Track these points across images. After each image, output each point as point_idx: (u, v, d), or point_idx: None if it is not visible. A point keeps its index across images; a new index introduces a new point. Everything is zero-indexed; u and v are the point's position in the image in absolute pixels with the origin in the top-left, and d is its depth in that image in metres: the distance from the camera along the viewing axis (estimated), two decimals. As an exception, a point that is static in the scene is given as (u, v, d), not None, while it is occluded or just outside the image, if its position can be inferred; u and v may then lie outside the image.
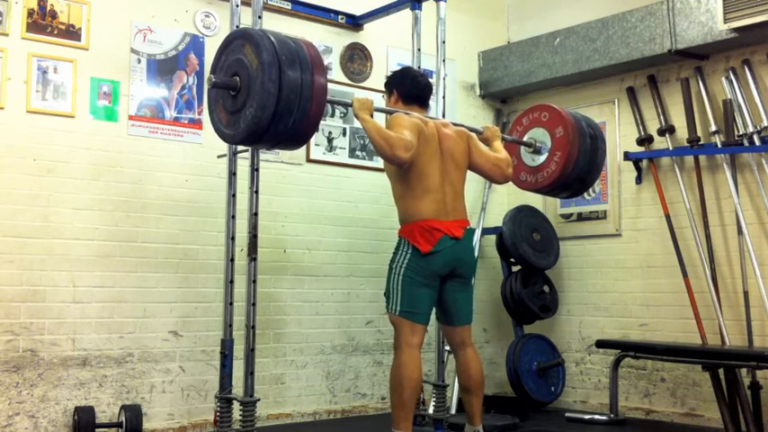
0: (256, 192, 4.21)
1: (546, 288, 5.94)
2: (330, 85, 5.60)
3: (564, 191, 4.78)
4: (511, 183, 4.51)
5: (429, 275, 3.88)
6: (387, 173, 4.07)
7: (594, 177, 4.68)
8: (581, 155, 4.48)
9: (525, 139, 4.64)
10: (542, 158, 4.57)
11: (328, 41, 5.73)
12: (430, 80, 4.35)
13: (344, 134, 5.74)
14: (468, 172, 4.16)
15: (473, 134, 4.24)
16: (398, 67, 5.93)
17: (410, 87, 4.16)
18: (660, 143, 5.61)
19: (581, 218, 6.11)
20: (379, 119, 4.02)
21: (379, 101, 5.88)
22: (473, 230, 4.06)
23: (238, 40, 3.61)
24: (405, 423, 3.77)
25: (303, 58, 3.47)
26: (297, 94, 3.41)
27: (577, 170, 4.52)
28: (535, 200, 6.18)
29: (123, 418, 4.47)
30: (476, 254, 4.08)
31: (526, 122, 4.67)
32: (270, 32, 3.54)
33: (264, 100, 3.37)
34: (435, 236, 3.85)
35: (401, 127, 3.82)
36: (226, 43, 3.72)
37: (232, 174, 4.37)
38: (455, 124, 4.23)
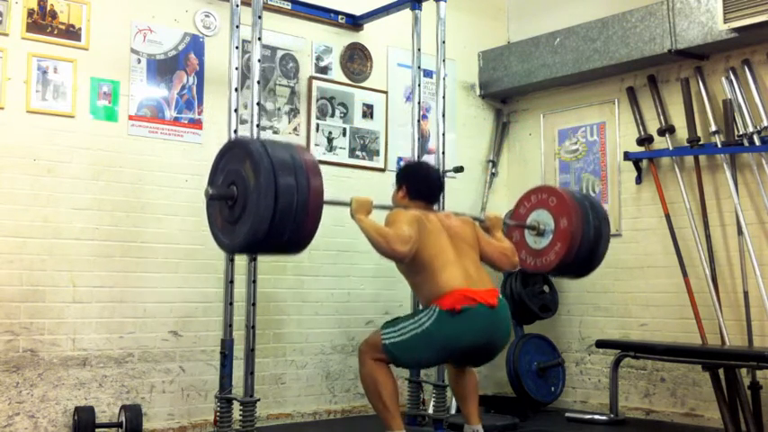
0: (256, 192, 4.20)
1: (546, 288, 5.94)
2: (330, 86, 5.69)
3: (564, 275, 4.91)
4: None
5: (448, 349, 3.69)
6: (401, 272, 3.97)
7: (596, 266, 4.58)
8: (582, 249, 4.37)
9: (530, 219, 4.54)
10: (545, 243, 4.46)
11: (328, 41, 5.73)
12: (441, 177, 4.25)
13: (344, 134, 5.74)
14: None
15: (476, 223, 4.20)
16: (399, 68, 6.01)
17: (420, 187, 4.09)
18: (660, 143, 5.60)
19: (581, 218, 6.10)
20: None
21: (379, 100, 5.92)
22: (505, 301, 3.85)
23: (237, 150, 3.55)
24: (395, 421, 3.77)
25: (300, 170, 3.41)
26: (293, 211, 3.35)
27: (577, 261, 4.43)
28: (535, 200, 6.18)
29: (123, 418, 4.47)
30: (510, 324, 3.93)
31: (534, 200, 4.55)
32: (268, 145, 3.46)
33: (261, 217, 3.32)
34: (470, 303, 3.65)
35: (398, 222, 3.75)
36: (224, 150, 3.65)
37: (232, 174, 4.36)
38: (456, 214, 4.19)
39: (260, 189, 3.31)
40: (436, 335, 3.65)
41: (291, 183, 3.35)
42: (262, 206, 3.30)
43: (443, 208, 5.00)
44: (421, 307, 3.87)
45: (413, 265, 3.79)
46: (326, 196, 5.11)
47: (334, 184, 5.59)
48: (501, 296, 3.83)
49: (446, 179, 5.09)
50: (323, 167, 5.52)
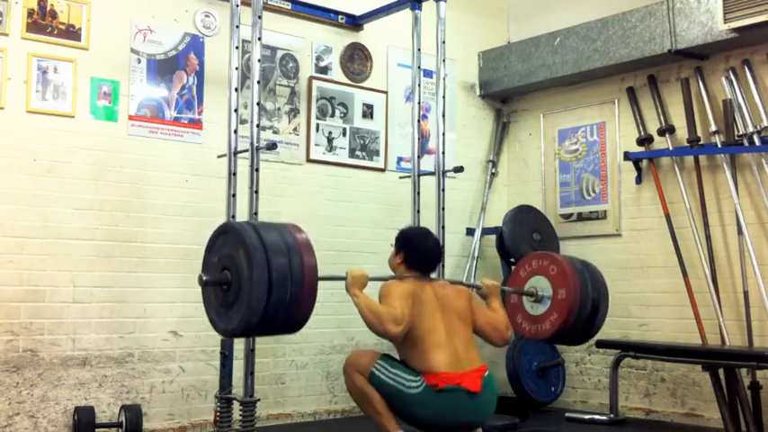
0: (256, 192, 4.21)
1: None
2: (330, 86, 5.69)
3: (559, 343, 5.09)
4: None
5: (427, 422, 3.71)
6: (393, 344, 3.94)
7: (592, 336, 4.54)
8: (578, 322, 4.33)
9: (529, 283, 4.48)
10: (542, 310, 4.40)
11: (328, 41, 5.73)
12: (441, 248, 4.21)
13: (344, 134, 5.74)
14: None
15: (473, 293, 4.16)
16: (399, 68, 6.01)
17: (418, 257, 4.03)
18: (660, 143, 5.60)
19: (581, 218, 6.10)
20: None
21: (379, 100, 5.92)
22: (492, 377, 3.86)
23: (230, 235, 3.51)
24: (390, 424, 3.77)
25: (293, 251, 3.38)
26: (287, 296, 3.32)
27: (573, 332, 4.40)
28: (535, 200, 6.19)
29: (123, 418, 4.47)
30: (495, 400, 3.93)
31: (535, 266, 4.48)
32: (260, 228, 3.42)
33: (252, 312, 3.29)
34: (452, 384, 3.67)
35: (391, 297, 3.74)
36: (217, 234, 3.62)
37: (232, 174, 4.36)
38: (453, 282, 4.17)
39: (253, 279, 3.27)
40: (418, 405, 3.68)
41: (285, 269, 3.31)
42: (254, 297, 3.27)
43: (444, 208, 5.01)
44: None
45: (404, 340, 3.78)
46: (326, 192, 5.10)
47: (334, 184, 5.61)
48: (488, 373, 3.82)
49: (446, 179, 5.10)
50: (322, 167, 5.60)
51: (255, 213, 4.21)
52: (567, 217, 6.20)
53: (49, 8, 4.59)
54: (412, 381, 3.70)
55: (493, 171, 6.53)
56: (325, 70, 5.70)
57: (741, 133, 5.15)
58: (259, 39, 4.32)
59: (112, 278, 4.70)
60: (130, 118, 4.85)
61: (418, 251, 4.04)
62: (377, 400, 3.75)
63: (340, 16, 5.75)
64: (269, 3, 5.20)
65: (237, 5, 4.39)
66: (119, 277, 4.72)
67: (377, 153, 5.89)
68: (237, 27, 4.40)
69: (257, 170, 4.23)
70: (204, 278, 3.52)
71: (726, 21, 4.92)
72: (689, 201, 5.36)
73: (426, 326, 3.77)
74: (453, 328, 3.85)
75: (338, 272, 5.55)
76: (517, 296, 4.51)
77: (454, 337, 3.83)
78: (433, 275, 4.12)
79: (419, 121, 5.20)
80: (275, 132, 5.39)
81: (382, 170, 5.89)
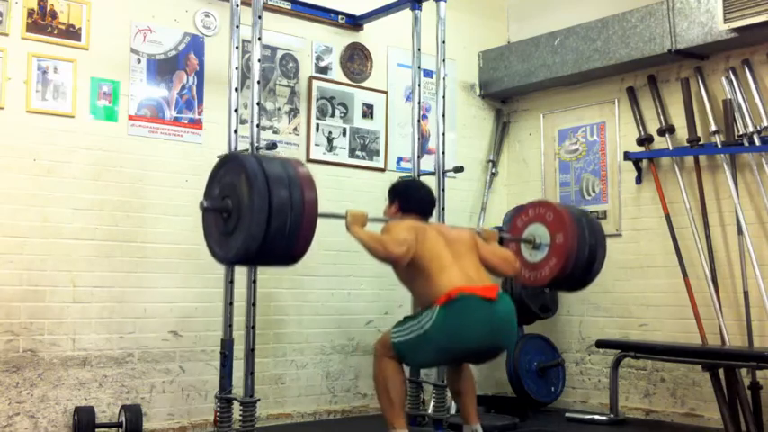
0: (256, 192, 4.20)
1: (546, 288, 5.92)
2: (330, 86, 5.69)
3: (558, 290, 4.99)
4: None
5: (450, 351, 3.71)
6: (400, 280, 3.99)
7: (590, 281, 4.58)
8: (577, 266, 4.38)
9: (527, 231, 4.55)
10: (540, 257, 4.47)
11: (328, 41, 5.73)
12: (433, 195, 4.28)
13: (344, 134, 5.74)
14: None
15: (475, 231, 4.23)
16: (399, 68, 6.01)
17: (412, 204, 4.11)
18: (660, 143, 5.60)
19: (581, 218, 6.10)
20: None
21: (379, 100, 5.92)
22: (507, 295, 3.86)
23: (232, 164, 3.57)
24: (398, 420, 3.81)
25: (294, 184, 3.41)
26: (287, 226, 3.36)
27: (572, 277, 4.44)
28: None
29: (123, 418, 4.47)
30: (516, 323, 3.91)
31: (531, 215, 4.56)
32: (263, 159, 3.47)
33: (255, 230, 3.33)
34: (466, 293, 3.67)
35: (395, 229, 3.81)
36: (221, 163, 3.68)
37: (232, 174, 4.36)
38: (453, 228, 4.21)
39: (253, 206, 3.32)
40: (436, 335, 3.65)
41: (285, 200, 3.35)
42: (255, 222, 3.32)
43: (444, 207, 5.00)
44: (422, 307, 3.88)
45: (410, 271, 3.81)
46: (326, 192, 5.09)
47: (334, 184, 5.60)
48: (502, 292, 3.82)
49: (446, 179, 5.09)
50: (322, 167, 5.60)
51: (255, 213, 4.21)
52: (567, 217, 6.19)
53: (48, 8, 4.59)
54: (424, 317, 3.72)
55: (493, 171, 6.53)
56: (325, 70, 5.71)
57: (741, 133, 5.15)
58: (259, 39, 4.32)
59: (112, 278, 4.70)
60: (130, 118, 4.85)
61: (412, 198, 4.13)
62: (395, 393, 3.81)
63: (340, 16, 5.76)
64: (269, 3, 5.20)
65: (237, 5, 4.39)
66: (119, 277, 4.72)
67: (377, 153, 5.89)
68: (237, 27, 4.40)
69: (257, 170, 4.21)
70: (205, 204, 3.58)
71: (726, 21, 4.92)
72: (689, 201, 5.36)
73: (431, 253, 3.81)
74: (459, 253, 3.89)
75: (339, 273, 5.62)
76: (515, 246, 4.57)
77: (461, 260, 3.86)
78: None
79: (419, 121, 5.20)
80: (275, 132, 5.39)
81: (382, 170, 5.89)
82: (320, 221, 5.48)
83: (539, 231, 4.50)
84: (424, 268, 3.78)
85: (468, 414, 4.06)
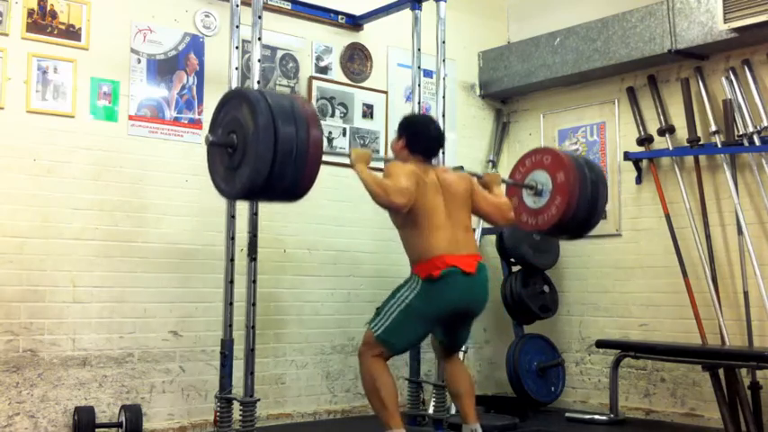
0: (256, 192, 4.20)
1: (546, 288, 5.93)
2: (330, 86, 5.69)
3: (564, 234, 4.82)
4: (508, 225, 4.50)
5: (430, 318, 3.84)
6: (393, 223, 4.03)
7: (595, 222, 4.61)
8: (581, 201, 4.42)
9: (527, 180, 4.59)
10: (543, 201, 4.51)
11: (328, 41, 5.73)
12: (443, 133, 4.29)
13: (344, 134, 5.74)
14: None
15: (474, 178, 4.24)
16: (399, 68, 6.01)
17: (421, 140, 4.10)
18: (660, 143, 5.61)
19: (581, 218, 6.10)
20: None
21: (379, 100, 5.92)
22: (485, 266, 4.00)
23: (236, 99, 3.61)
24: (393, 420, 3.80)
25: (300, 120, 3.45)
26: (292, 159, 3.40)
27: (578, 216, 4.46)
28: (535, 200, 6.17)
29: (123, 418, 4.47)
30: (488, 291, 4.04)
31: (529, 164, 4.62)
32: (267, 94, 3.53)
33: (260, 164, 3.37)
34: (448, 268, 3.79)
35: (396, 175, 3.82)
36: (224, 100, 3.70)
37: (232, 174, 4.36)
38: (454, 169, 4.25)
39: (259, 140, 3.36)
40: (419, 305, 3.79)
41: (291, 135, 3.40)
42: (260, 157, 3.35)
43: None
44: (409, 260, 3.97)
45: (406, 219, 3.88)
46: (326, 192, 5.11)
47: (335, 184, 5.60)
48: (481, 262, 3.94)
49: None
50: (323, 167, 5.52)
51: (255, 213, 4.22)
52: (567, 217, 6.19)
53: (48, 8, 4.60)
54: (403, 293, 3.85)
55: (493, 171, 6.53)
56: (325, 70, 5.71)
57: (741, 133, 5.15)
58: (259, 39, 4.32)
59: (112, 278, 4.70)
60: (130, 118, 4.85)
61: (421, 135, 4.13)
62: (386, 392, 3.80)
63: (340, 16, 5.76)
64: (269, 3, 5.20)
65: (237, 5, 4.39)
66: (119, 277, 4.72)
67: (377, 153, 5.88)
68: (237, 27, 4.40)
69: (257, 170, 4.21)
70: (210, 138, 3.60)
71: (726, 21, 4.92)
72: (689, 201, 5.37)
73: (428, 207, 3.88)
74: (453, 211, 3.96)
75: (338, 273, 5.62)
76: (518, 196, 4.62)
77: (453, 221, 3.94)
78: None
79: (419, 121, 5.19)
80: (275, 132, 5.38)
81: (382, 170, 5.87)
82: (321, 224, 5.53)
83: (539, 177, 4.56)
84: (417, 223, 3.86)
85: (467, 414, 4.06)
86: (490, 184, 4.31)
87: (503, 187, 4.44)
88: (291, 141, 3.39)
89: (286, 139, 3.38)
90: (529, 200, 4.59)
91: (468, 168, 5.79)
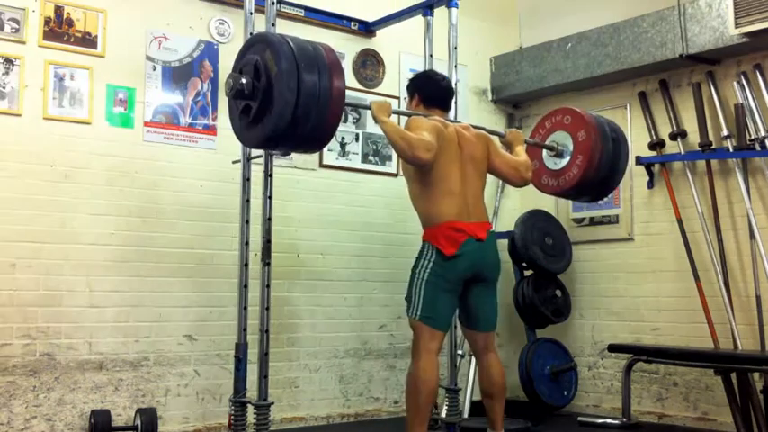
0: (270, 197, 4.24)
1: (558, 292, 5.94)
2: (343, 91, 5.71)
3: (585, 195, 4.79)
4: (526, 186, 4.46)
5: (453, 281, 3.88)
6: (405, 175, 4.08)
7: (617, 181, 4.65)
8: (603, 159, 4.45)
9: (547, 142, 4.63)
10: (564, 162, 4.54)
11: (341, 48, 5.76)
12: (451, 83, 4.32)
13: (357, 139, 5.78)
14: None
15: (493, 137, 4.26)
16: (411, 73, 6.03)
17: (432, 90, 4.17)
18: (672, 147, 5.61)
19: (593, 222, 6.12)
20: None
21: (393, 107, 5.93)
22: (494, 233, 4.08)
23: (259, 44, 3.64)
24: (420, 428, 3.79)
25: (322, 64, 3.50)
26: (315, 101, 3.45)
27: (600, 174, 4.49)
28: (547, 204, 6.19)
29: (139, 422, 4.51)
30: (499, 256, 4.12)
31: (548, 125, 4.65)
32: (290, 38, 3.56)
33: (282, 108, 3.41)
34: (459, 239, 3.84)
35: (420, 129, 3.82)
36: (247, 46, 3.77)
37: (246, 179, 4.40)
38: (476, 127, 4.24)
39: (282, 77, 3.39)
40: (438, 275, 3.84)
41: (313, 66, 3.45)
42: (284, 95, 3.38)
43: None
44: (419, 216, 4.01)
45: (421, 177, 3.91)
46: (339, 197, 5.12)
47: (347, 189, 5.64)
48: (491, 230, 4.01)
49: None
50: (336, 173, 5.64)
51: (269, 219, 4.25)
52: (579, 221, 6.21)
53: (65, 16, 4.66)
54: (420, 266, 3.90)
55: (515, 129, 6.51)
56: (337, 76, 5.73)
57: (753, 137, 5.16)
58: (273, 46, 4.35)
59: (128, 282, 4.75)
60: (146, 124, 4.90)
61: (431, 85, 4.19)
62: (423, 400, 3.78)
63: (352, 23, 5.80)
64: (282, 10, 5.24)
65: (251, 13, 4.43)
66: (134, 282, 4.77)
67: (389, 158, 5.92)
68: (251, 34, 4.43)
69: (271, 176, 4.25)
70: (231, 84, 3.59)
71: (737, 26, 4.92)
72: (701, 205, 5.37)
73: (444, 171, 3.89)
74: (468, 176, 3.98)
75: (351, 277, 5.65)
76: (539, 159, 4.62)
77: (466, 187, 3.96)
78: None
79: (431, 126, 5.22)
80: (289, 138, 5.42)
81: (395, 175, 5.91)
82: (334, 229, 5.57)
83: (559, 138, 4.57)
84: (433, 182, 3.88)
85: (495, 420, 4.07)
86: (512, 142, 4.32)
87: (524, 146, 4.43)
88: (314, 87, 3.43)
89: (308, 85, 3.41)
90: (549, 161, 4.61)
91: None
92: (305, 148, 3.83)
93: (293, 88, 3.40)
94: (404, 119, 4.31)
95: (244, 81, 3.57)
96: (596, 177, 4.50)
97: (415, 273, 3.93)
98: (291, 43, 3.50)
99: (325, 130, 3.60)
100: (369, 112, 4.01)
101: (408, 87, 4.30)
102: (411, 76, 4.50)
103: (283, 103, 3.41)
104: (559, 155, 4.56)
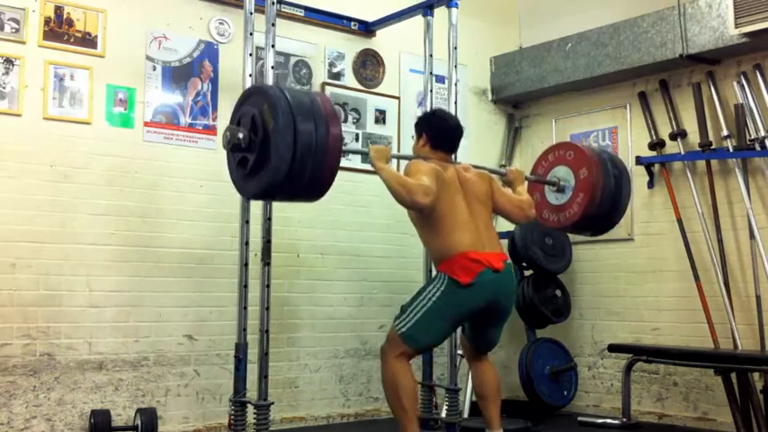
0: (270, 197, 4.23)
1: (558, 292, 5.94)
2: (343, 92, 5.72)
3: (586, 230, 4.81)
4: (529, 223, 4.48)
5: (462, 312, 3.82)
6: (411, 220, 4.04)
7: (619, 217, 4.60)
8: (605, 197, 4.41)
9: (549, 176, 4.59)
10: (566, 198, 4.51)
11: (341, 48, 5.77)
12: (461, 124, 4.29)
13: (357, 139, 5.78)
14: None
15: (493, 176, 4.25)
16: (411, 73, 6.05)
17: (440, 131, 4.13)
18: (672, 147, 5.61)
19: (593, 222, 6.11)
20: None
21: (391, 105, 5.95)
22: (511, 264, 4.00)
23: (256, 96, 3.63)
24: (412, 426, 3.80)
25: (319, 116, 3.47)
26: (311, 156, 3.42)
27: (601, 211, 4.45)
28: (547, 204, 6.18)
29: (139, 422, 4.51)
30: (516, 288, 4.06)
31: (551, 159, 4.61)
32: (287, 91, 3.53)
33: (278, 163, 3.40)
34: (475, 269, 3.76)
35: (419, 173, 3.79)
36: (244, 97, 3.74)
37: (246, 179, 4.39)
38: (476, 167, 4.23)
39: (279, 132, 3.38)
40: (447, 304, 3.77)
41: (311, 130, 3.42)
42: (281, 152, 3.37)
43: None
44: (432, 261, 4.00)
45: (427, 218, 3.87)
46: (339, 197, 5.14)
47: (348, 189, 5.63)
48: (508, 260, 3.93)
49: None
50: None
51: (269, 218, 4.25)
52: (579, 221, 6.21)
53: (65, 16, 4.66)
54: (429, 291, 3.81)
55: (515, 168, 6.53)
56: (337, 76, 5.75)
57: (753, 137, 5.16)
58: (272, 46, 4.36)
59: (128, 282, 4.75)
60: (146, 124, 4.90)
61: (441, 129, 4.14)
62: (407, 397, 3.78)
63: (353, 23, 5.80)
64: (282, 10, 5.24)
65: (251, 13, 4.43)
66: (134, 282, 4.77)
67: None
68: (251, 34, 4.43)
69: (271, 176, 4.24)
70: (229, 134, 3.57)
71: (737, 26, 4.92)
72: (701, 205, 5.37)
73: (448, 207, 3.85)
74: (475, 210, 3.95)
75: (351, 277, 5.65)
76: (540, 193, 4.60)
77: (476, 219, 3.92)
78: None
79: (431, 126, 5.22)
80: (289, 138, 5.43)
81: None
82: (334, 228, 5.57)
83: (562, 173, 4.54)
84: (440, 220, 3.84)
85: (491, 420, 4.07)
86: (513, 182, 4.31)
87: (525, 184, 4.42)
88: (311, 143, 3.41)
89: (305, 140, 3.40)
90: (551, 196, 4.59)
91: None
92: (303, 198, 3.84)
93: (290, 144, 3.37)
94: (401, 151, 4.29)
95: (240, 135, 3.55)
96: (597, 215, 4.47)
97: (422, 293, 3.86)
98: (288, 96, 3.46)
99: (322, 184, 3.58)
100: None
101: (417, 126, 4.24)
102: (420, 113, 4.46)
103: (279, 159, 3.39)
104: (561, 190, 4.53)
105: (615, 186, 4.46)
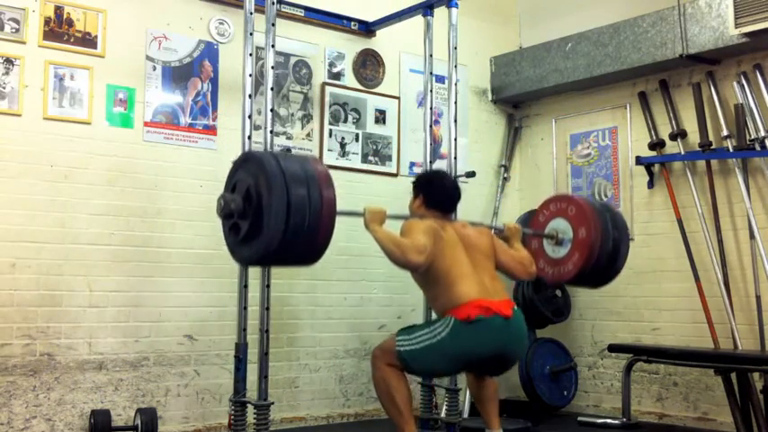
0: (270, 197, 4.23)
1: (558, 292, 5.94)
2: (343, 92, 5.72)
3: (581, 286, 4.87)
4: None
5: (464, 355, 3.71)
6: (416, 281, 3.99)
7: (612, 277, 4.53)
8: (601, 260, 4.33)
9: (549, 227, 4.51)
10: (563, 252, 4.43)
11: (341, 48, 5.77)
12: (459, 187, 4.24)
13: (357, 139, 5.78)
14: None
15: (493, 233, 4.23)
16: (411, 73, 6.05)
17: (437, 196, 4.09)
18: (672, 147, 5.61)
19: (593, 222, 6.11)
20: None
21: (391, 105, 5.95)
22: (521, 312, 3.86)
23: (251, 164, 3.57)
24: (408, 426, 3.80)
25: (313, 191, 3.43)
26: (305, 226, 3.39)
27: (596, 271, 4.39)
28: (547, 204, 6.18)
29: (139, 422, 4.51)
30: (527, 336, 3.96)
31: (553, 209, 4.53)
32: (282, 160, 3.46)
33: (273, 235, 3.35)
34: (485, 314, 3.66)
35: (414, 232, 3.74)
36: (239, 162, 3.69)
37: (246, 180, 4.39)
38: (473, 224, 4.21)
39: (272, 204, 3.33)
40: (451, 346, 3.67)
41: (304, 196, 3.37)
42: (274, 221, 3.33)
43: (457, 215, 5.03)
44: (435, 317, 3.89)
45: (428, 277, 3.80)
46: (339, 197, 5.10)
47: (347, 189, 5.62)
48: (516, 308, 3.83)
49: (459, 185, 5.13)
50: (336, 173, 5.59)
51: (269, 218, 4.24)
52: (579, 221, 6.20)
53: (65, 16, 4.66)
54: (436, 328, 3.71)
55: (505, 176, 6.55)
56: (337, 76, 5.75)
57: (753, 137, 5.16)
58: (272, 46, 4.36)
59: (128, 283, 4.75)
60: (146, 124, 4.90)
61: (438, 191, 4.11)
62: (401, 398, 3.77)
63: (353, 23, 5.80)
64: (282, 10, 5.24)
65: (251, 13, 4.43)
66: (134, 282, 4.77)
67: (389, 158, 5.92)
68: (251, 34, 4.43)
69: (271, 176, 4.24)
70: (223, 204, 3.56)
71: (737, 26, 4.92)
72: (701, 205, 5.37)
73: (449, 261, 3.78)
74: (477, 261, 3.88)
75: (351, 277, 5.65)
76: (538, 242, 4.53)
77: (479, 269, 3.85)
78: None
79: (431, 126, 5.23)
80: (289, 138, 5.44)
81: (395, 175, 5.92)
82: (335, 226, 5.55)
83: (561, 226, 4.46)
84: (442, 275, 3.77)
85: (490, 420, 4.06)
86: (511, 238, 4.26)
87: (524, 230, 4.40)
88: (305, 207, 3.36)
89: (299, 205, 3.34)
90: (548, 248, 4.50)
91: (480, 174, 5.86)
92: (297, 264, 3.83)
93: (283, 218, 3.33)
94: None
95: (233, 206, 3.53)
96: (592, 274, 4.41)
97: (430, 327, 3.77)
98: (283, 168, 3.40)
99: (314, 252, 3.54)
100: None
101: (415, 185, 4.20)
102: (419, 173, 4.42)
103: (273, 232, 3.35)
104: (560, 243, 4.45)
105: (613, 249, 4.34)
